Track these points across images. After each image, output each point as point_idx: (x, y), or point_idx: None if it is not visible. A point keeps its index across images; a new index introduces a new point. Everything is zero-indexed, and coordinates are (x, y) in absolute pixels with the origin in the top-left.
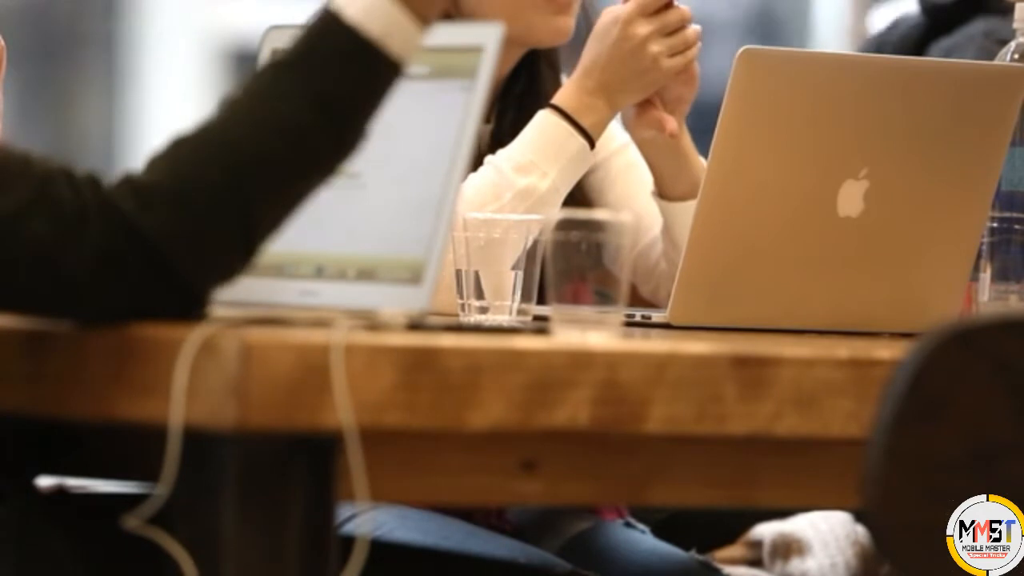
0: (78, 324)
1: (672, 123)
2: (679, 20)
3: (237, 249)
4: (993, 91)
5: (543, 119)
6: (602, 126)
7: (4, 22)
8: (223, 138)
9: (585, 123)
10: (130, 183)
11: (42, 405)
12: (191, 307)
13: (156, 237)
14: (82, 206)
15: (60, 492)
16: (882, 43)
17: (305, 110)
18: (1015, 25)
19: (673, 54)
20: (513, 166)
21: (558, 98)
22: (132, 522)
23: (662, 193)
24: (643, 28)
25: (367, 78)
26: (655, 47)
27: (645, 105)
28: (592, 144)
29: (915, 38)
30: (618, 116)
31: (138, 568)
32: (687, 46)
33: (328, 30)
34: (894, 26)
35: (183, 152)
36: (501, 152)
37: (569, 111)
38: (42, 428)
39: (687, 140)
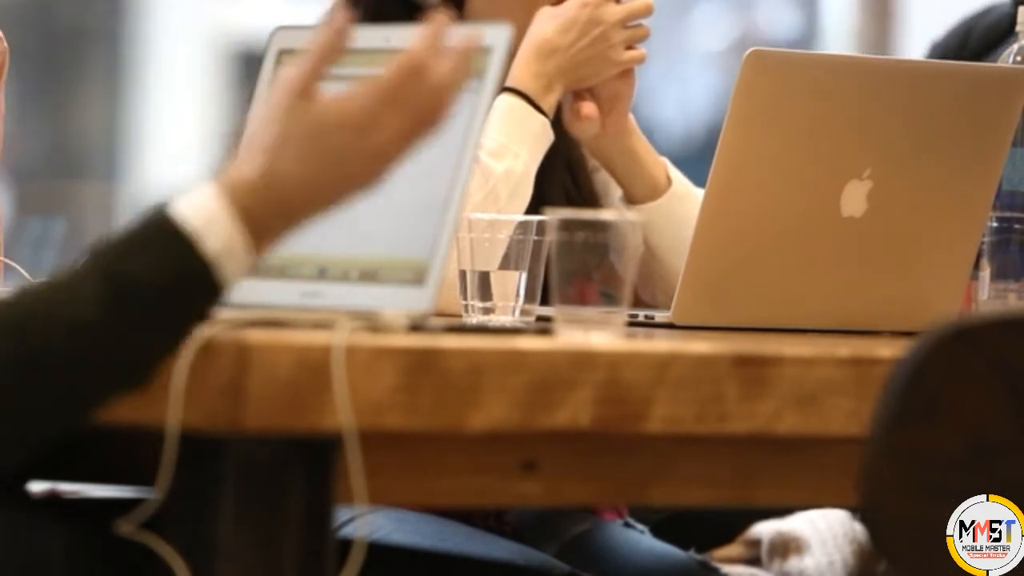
0: None
1: (590, 108)
2: (645, 10)
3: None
4: (995, 93)
5: (506, 103)
6: (555, 105)
7: (6, 21)
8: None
9: (545, 105)
10: None
11: None
12: None
13: None
14: None
15: (53, 496)
16: (971, 28)
17: (112, 316)
18: (1018, 28)
19: (628, 47)
20: (487, 152)
21: (517, 81)
22: (126, 527)
23: (625, 197)
24: (613, 13)
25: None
26: (616, 35)
27: (578, 99)
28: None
29: (1004, 28)
30: None
31: (132, 574)
32: (642, 39)
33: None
34: (986, 12)
35: None
36: None
37: (531, 95)
38: None
39: (638, 140)
